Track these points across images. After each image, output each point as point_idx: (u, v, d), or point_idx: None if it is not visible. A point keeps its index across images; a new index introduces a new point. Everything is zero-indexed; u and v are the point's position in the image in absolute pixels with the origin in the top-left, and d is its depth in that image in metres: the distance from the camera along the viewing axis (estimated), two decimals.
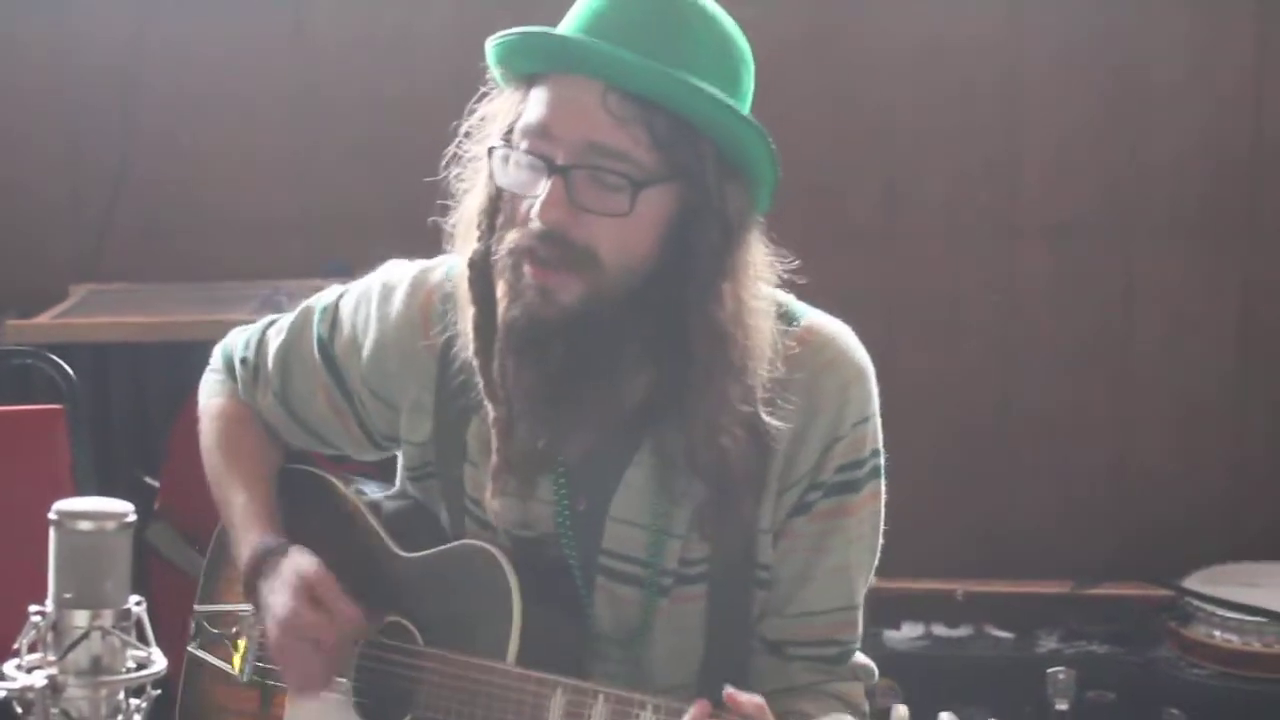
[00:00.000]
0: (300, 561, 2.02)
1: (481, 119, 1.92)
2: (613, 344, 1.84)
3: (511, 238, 1.84)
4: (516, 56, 1.87)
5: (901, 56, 4.20)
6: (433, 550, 2.02)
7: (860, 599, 2.00)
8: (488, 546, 1.95)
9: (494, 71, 1.91)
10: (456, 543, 2.01)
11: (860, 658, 2.02)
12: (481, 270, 1.88)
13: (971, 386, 4.26)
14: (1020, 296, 4.26)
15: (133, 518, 1.32)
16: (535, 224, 1.80)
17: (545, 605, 1.93)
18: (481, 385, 1.91)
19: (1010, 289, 4.26)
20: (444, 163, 1.95)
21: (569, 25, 1.87)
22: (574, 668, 1.90)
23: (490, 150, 1.86)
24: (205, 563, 2.26)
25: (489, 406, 1.91)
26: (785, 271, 1.92)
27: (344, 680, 2.04)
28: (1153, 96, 4.20)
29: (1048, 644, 3.64)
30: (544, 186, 1.80)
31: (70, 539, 1.31)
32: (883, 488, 1.99)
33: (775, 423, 1.87)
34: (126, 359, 3.73)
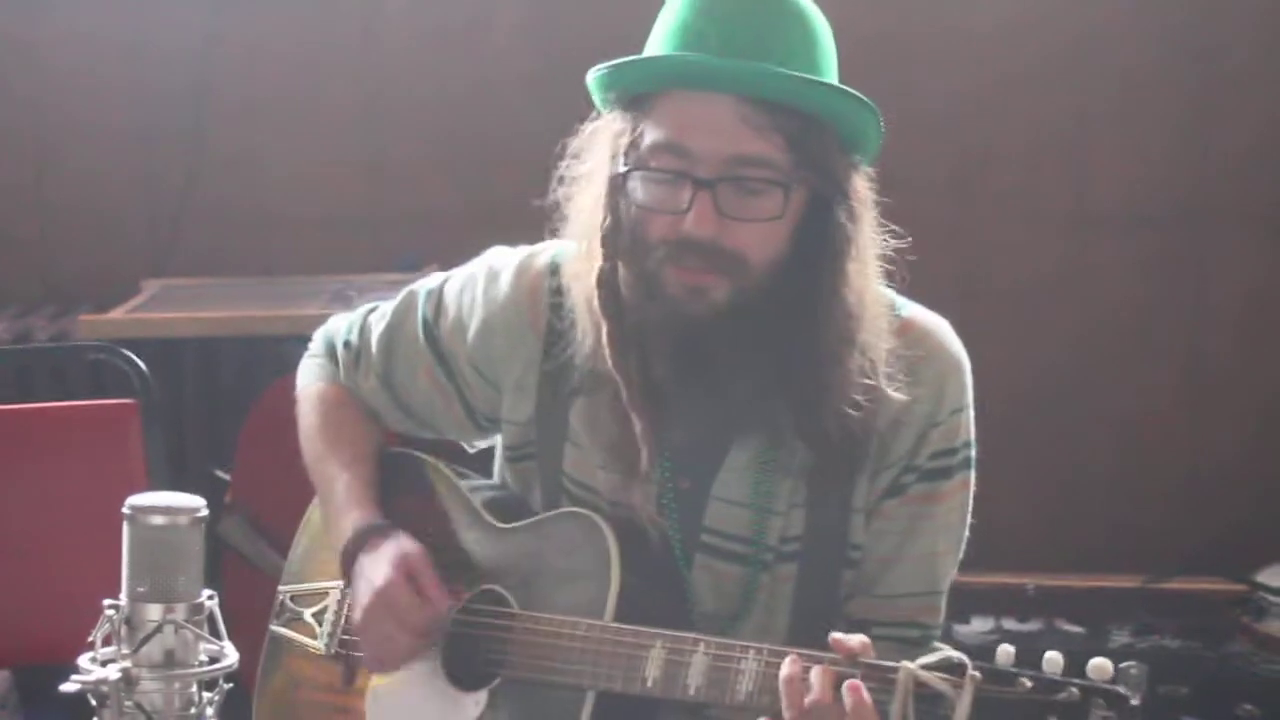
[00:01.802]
0: (405, 543, 2.06)
1: (589, 141, 1.97)
2: (754, 333, 1.90)
3: (652, 249, 1.90)
4: (634, 79, 1.91)
5: (970, 46, 4.18)
6: (532, 520, 2.07)
7: (945, 585, 2.05)
8: (588, 513, 2.00)
9: (598, 94, 1.95)
10: (557, 511, 2.05)
11: (942, 647, 2.02)
12: (611, 287, 1.94)
13: (1043, 379, 4.23)
14: (1092, 289, 4.23)
15: (204, 513, 1.33)
16: (684, 235, 1.86)
17: (643, 575, 1.96)
18: (626, 396, 1.95)
19: (1082, 281, 4.23)
20: (552, 184, 2.00)
21: (665, 38, 1.91)
22: None
23: (623, 175, 1.90)
24: (293, 546, 2.28)
25: (635, 418, 1.95)
26: (894, 248, 1.98)
27: (432, 648, 2.06)
28: (1227, 84, 4.16)
29: (1119, 638, 3.61)
30: (689, 200, 1.86)
31: (143, 533, 1.33)
32: (973, 479, 2.05)
33: (895, 395, 1.93)
34: (198, 353, 3.76)
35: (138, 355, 2.98)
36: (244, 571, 3.11)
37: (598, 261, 1.94)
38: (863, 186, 1.94)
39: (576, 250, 2.00)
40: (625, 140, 1.91)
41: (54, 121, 4.38)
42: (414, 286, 2.22)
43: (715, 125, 1.86)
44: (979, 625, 3.68)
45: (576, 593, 1.96)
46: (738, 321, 1.89)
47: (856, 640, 1.76)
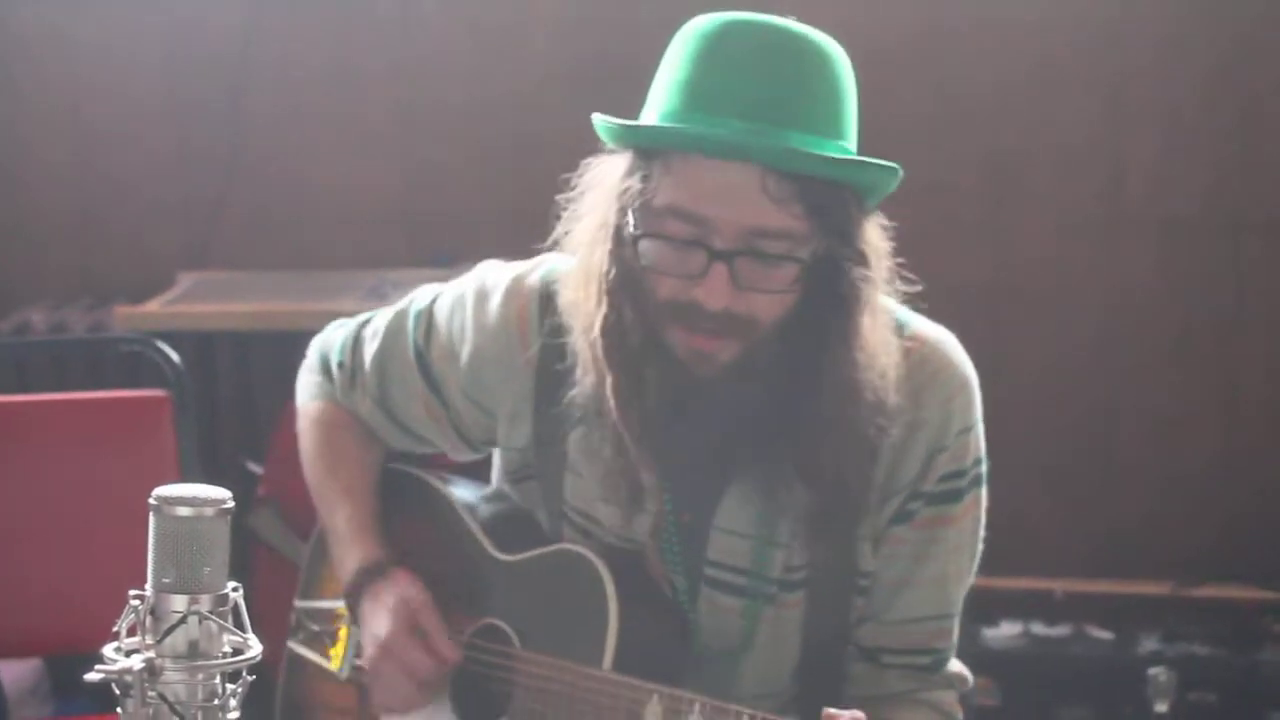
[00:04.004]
0: (405, 587, 2.04)
1: (594, 177, 1.88)
2: (759, 389, 1.84)
3: (660, 308, 1.82)
4: (648, 141, 1.81)
5: (1006, 47, 4.17)
6: (531, 553, 2.03)
7: (957, 608, 2.00)
8: (585, 552, 1.95)
9: (605, 136, 1.85)
10: (554, 547, 2.01)
11: (955, 665, 2.02)
12: (615, 337, 1.85)
13: (1076, 382, 4.22)
14: (1127, 291, 4.21)
15: (231, 504, 1.33)
16: (694, 301, 1.79)
17: (644, 613, 1.93)
18: (632, 449, 1.89)
19: (1117, 284, 4.21)
20: (557, 224, 1.92)
21: (676, 87, 1.80)
22: (671, 675, 1.89)
23: (635, 237, 1.82)
24: (307, 558, 2.27)
25: (641, 468, 1.90)
26: (900, 279, 1.91)
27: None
28: (1263, 86, 4.14)
29: (1148, 644, 3.60)
30: (703, 269, 1.77)
31: (169, 524, 1.32)
32: (984, 495, 1.99)
33: (898, 420, 1.88)
34: (232, 346, 3.78)
35: (172, 347, 3.00)
36: (274, 564, 3.13)
37: (602, 310, 1.86)
38: (875, 236, 1.86)
39: (576, 281, 1.90)
40: (635, 196, 1.81)
41: (91, 116, 4.41)
42: (404, 305, 2.16)
43: (735, 196, 1.76)
44: (1007, 629, 3.68)
45: (576, 634, 1.92)
46: (743, 380, 1.83)
47: (849, 716, 1.69)
